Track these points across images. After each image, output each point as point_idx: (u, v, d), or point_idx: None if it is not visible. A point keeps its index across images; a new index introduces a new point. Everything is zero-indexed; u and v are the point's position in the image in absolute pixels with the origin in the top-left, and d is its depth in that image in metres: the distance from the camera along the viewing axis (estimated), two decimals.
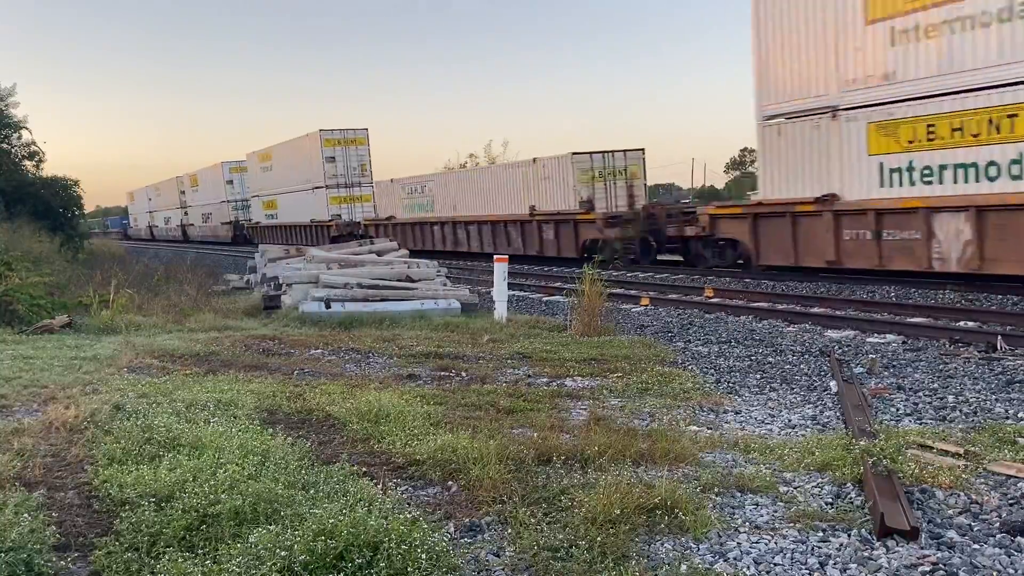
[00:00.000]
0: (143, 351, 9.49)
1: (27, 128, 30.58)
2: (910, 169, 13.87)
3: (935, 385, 7.49)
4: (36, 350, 9.50)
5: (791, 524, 4.31)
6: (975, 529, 4.22)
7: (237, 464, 4.82)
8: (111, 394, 7.04)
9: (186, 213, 61.73)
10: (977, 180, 12.88)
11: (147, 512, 4.17)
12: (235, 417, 6.19)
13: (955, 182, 13.19)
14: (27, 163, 30.65)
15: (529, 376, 8.40)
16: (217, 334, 11.34)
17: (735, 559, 3.94)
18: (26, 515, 4.15)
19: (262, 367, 8.89)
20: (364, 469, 5.13)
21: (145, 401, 6.76)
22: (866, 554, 3.93)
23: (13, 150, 30.24)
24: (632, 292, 15.97)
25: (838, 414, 6.64)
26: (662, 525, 4.22)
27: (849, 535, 4.14)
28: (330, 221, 36.88)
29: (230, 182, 51.80)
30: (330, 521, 3.80)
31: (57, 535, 4.08)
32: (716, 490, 4.78)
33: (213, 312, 13.88)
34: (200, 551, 3.82)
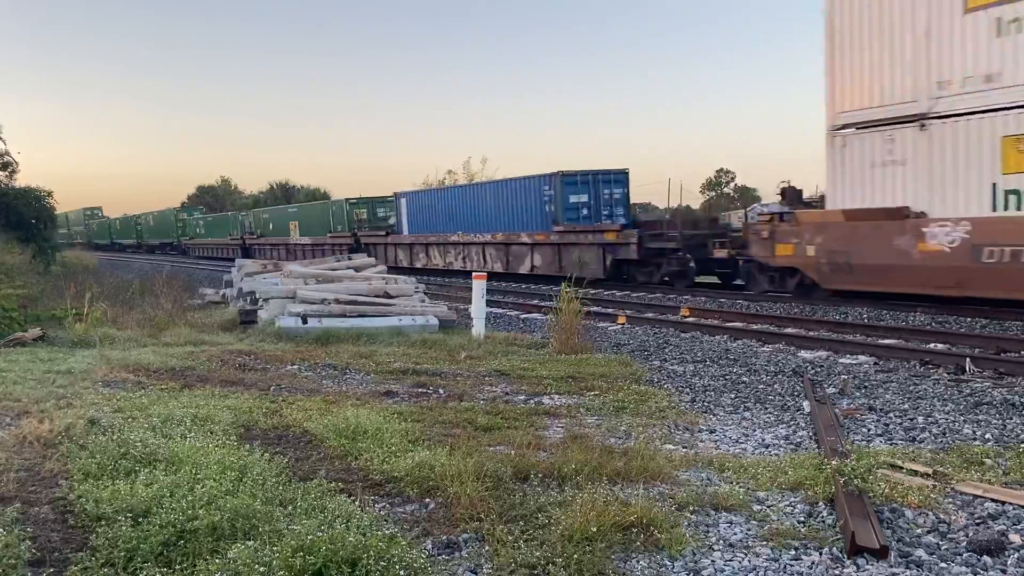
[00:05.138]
0: (118, 365, 9.41)
1: (0, 138, 30.29)
2: None
3: (905, 406, 7.62)
4: (8, 363, 9.40)
5: (764, 542, 4.38)
6: (943, 548, 4.31)
7: (215, 480, 4.81)
8: (86, 408, 6.98)
9: None
10: None
11: (123, 527, 4.15)
12: (212, 432, 6.18)
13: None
14: (0, 173, 30.29)
15: (507, 393, 8.44)
16: (193, 348, 11.27)
17: None
18: (0, 530, 4.12)
19: (238, 382, 8.86)
20: (342, 486, 5.14)
21: (120, 416, 6.72)
22: (837, 572, 4.01)
23: None
24: (609, 310, 16.10)
25: (811, 434, 6.74)
26: (638, 543, 4.27)
27: (821, 553, 4.22)
28: None
29: None
30: (309, 537, 3.82)
31: (32, 550, 4.04)
32: (691, 508, 4.84)
33: (189, 326, 13.78)
34: (178, 567, 3.81)
